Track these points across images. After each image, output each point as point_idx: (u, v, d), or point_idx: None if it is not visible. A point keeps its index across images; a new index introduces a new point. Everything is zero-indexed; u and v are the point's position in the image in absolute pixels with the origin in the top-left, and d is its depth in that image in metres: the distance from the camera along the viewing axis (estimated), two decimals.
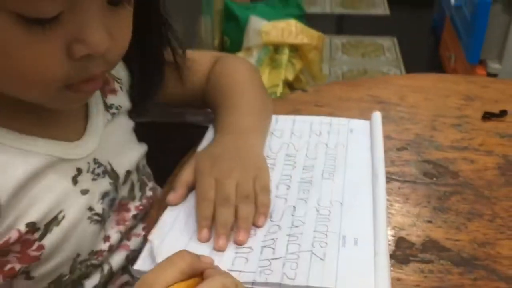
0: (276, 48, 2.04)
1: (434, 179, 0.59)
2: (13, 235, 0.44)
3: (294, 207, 0.52)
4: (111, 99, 0.55)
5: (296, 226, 0.49)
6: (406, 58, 2.38)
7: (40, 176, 0.45)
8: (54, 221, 0.46)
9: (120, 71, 0.58)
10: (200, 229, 0.49)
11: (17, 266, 0.45)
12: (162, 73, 0.60)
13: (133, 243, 0.55)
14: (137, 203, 0.56)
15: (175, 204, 0.52)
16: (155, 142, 0.61)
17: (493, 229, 0.52)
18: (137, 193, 0.56)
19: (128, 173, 0.54)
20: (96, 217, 0.50)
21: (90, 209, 0.49)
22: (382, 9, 2.93)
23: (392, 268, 0.47)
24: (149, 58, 0.58)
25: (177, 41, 0.59)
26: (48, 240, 0.46)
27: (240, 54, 2.06)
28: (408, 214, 0.54)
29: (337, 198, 0.53)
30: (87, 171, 0.49)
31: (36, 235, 0.45)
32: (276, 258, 0.45)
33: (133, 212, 0.55)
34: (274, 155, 0.59)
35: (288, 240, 0.47)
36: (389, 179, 0.58)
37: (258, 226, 0.49)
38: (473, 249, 0.50)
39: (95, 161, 0.50)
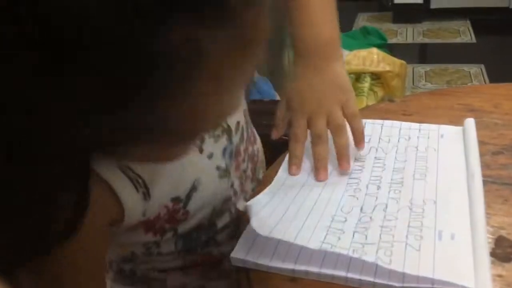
0: (358, 76, 2.03)
1: None
2: (162, 211, 0.50)
3: (386, 204, 0.51)
4: None
5: (389, 220, 0.49)
6: None
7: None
8: (193, 189, 0.52)
9: None
10: (290, 166, 0.57)
11: (166, 225, 0.52)
12: None
13: (248, 184, 0.61)
14: (244, 145, 0.60)
15: (278, 137, 0.60)
16: None
17: None
18: (245, 134, 0.60)
19: (238, 123, 0.59)
20: (223, 173, 0.55)
21: (217, 168, 0.55)
22: (467, 36, 2.85)
23: (492, 265, 0.45)
24: None
25: None
26: (191, 206, 0.52)
27: None
28: (507, 214, 0.51)
29: (431, 197, 0.52)
30: (209, 137, 0.54)
31: (181, 204, 0.51)
32: (369, 244, 0.45)
33: (242, 155, 0.59)
34: (363, 158, 0.60)
35: (381, 230, 0.47)
36: (485, 182, 0.56)
37: (359, 149, 0.58)
38: None
39: None
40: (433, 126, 0.65)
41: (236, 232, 0.58)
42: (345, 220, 0.49)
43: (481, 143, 0.62)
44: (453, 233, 0.46)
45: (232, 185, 0.58)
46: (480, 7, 2.96)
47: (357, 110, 0.58)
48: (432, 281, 0.41)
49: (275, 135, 0.61)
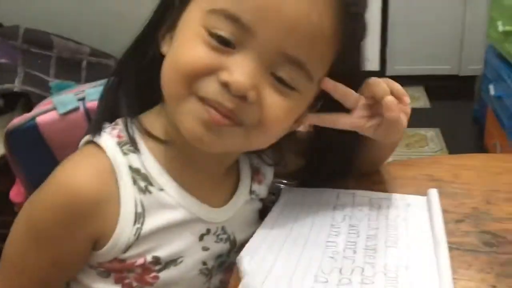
0: None
1: (494, 248, 0.61)
2: (139, 261, 0.54)
3: (362, 268, 0.55)
4: (255, 187, 0.65)
5: (366, 284, 0.53)
6: (451, 148, 2.42)
7: (179, 226, 0.55)
8: (173, 262, 0.55)
9: (268, 171, 0.68)
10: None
11: (134, 283, 0.56)
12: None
13: None
14: None
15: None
16: None
17: None
18: None
19: (242, 245, 0.61)
20: (205, 271, 0.58)
21: (204, 263, 0.58)
22: (423, 102, 3.02)
23: None
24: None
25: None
26: (163, 274, 0.55)
27: None
28: (472, 279, 0.56)
29: (402, 263, 0.56)
30: (214, 234, 0.59)
31: (156, 267, 0.55)
32: None
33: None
34: (338, 225, 0.64)
35: None
36: (450, 248, 0.61)
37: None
38: None
39: (223, 228, 0.60)
40: (400, 196, 0.71)
41: None
42: (326, 281, 0.52)
43: (444, 211, 0.68)
44: None
45: None
46: (433, 74, 3.16)
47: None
48: None
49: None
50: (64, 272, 0.56)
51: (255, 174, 0.66)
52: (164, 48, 0.55)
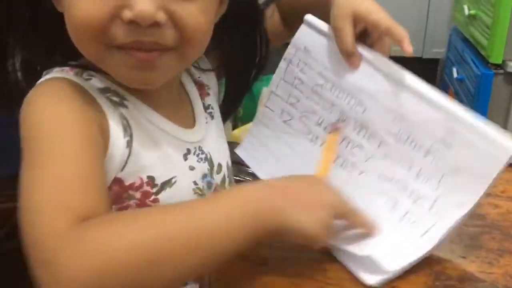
0: None
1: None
2: (137, 181, 0.54)
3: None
4: (207, 101, 0.66)
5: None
6: None
7: (162, 145, 0.56)
8: (168, 183, 0.56)
9: (210, 79, 0.69)
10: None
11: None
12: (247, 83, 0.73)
13: None
14: None
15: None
16: None
17: None
18: (227, 186, 0.65)
19: (220, 165, 0.63)
20: (198, 191, 0.59)
21: (195, 183, 0.59)
22: None
23: None
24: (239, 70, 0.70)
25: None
26: (162, 196, 0.55)
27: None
28: (443, 251, 0.58)
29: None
30: (194, 154, 0.59)
31: (154, 189, 0.55)
32: None
33: None
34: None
35: None
36: None
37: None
38: (506, 281, 0.54)
39: (200, 148, 0.60)
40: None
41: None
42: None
43: None
44: None
45: None
46: (397, 56, 3.20)
47: None
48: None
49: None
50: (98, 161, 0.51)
51: (201, 89, 0.66)
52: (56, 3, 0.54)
